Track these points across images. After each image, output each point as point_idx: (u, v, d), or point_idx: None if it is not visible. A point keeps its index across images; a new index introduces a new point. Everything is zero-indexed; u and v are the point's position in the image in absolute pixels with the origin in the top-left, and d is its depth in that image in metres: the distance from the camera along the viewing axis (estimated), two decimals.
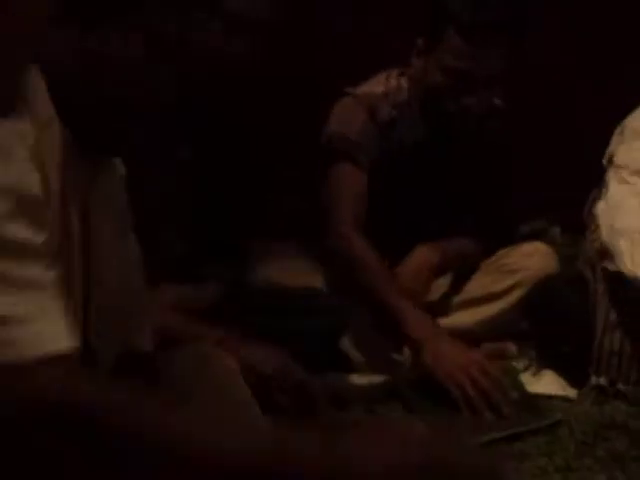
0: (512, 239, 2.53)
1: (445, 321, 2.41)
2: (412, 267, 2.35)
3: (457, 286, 2.47)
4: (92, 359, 1.24)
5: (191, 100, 1.88)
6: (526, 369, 2.28)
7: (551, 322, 2.26)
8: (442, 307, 2.45)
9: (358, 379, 2.21)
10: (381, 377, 2.21)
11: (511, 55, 2.19)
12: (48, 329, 0.98)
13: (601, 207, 2.15)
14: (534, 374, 2.26)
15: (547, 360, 2.28)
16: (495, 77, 2.21)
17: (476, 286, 2.45)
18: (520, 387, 2.14)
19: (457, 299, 2.46)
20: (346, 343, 2.26)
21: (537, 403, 2.07)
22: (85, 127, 1.14)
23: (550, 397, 2.13)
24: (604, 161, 2.24)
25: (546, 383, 2.21)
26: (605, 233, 2.09)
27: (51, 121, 1.09)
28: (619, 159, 2.20)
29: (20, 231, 0.97)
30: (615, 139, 2.25)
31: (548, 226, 3.36)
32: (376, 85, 2.36)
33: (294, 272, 2.30)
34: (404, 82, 2.34)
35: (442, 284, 2.47)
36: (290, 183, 2.50)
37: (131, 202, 1.49)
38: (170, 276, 1.80)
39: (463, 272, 2.47)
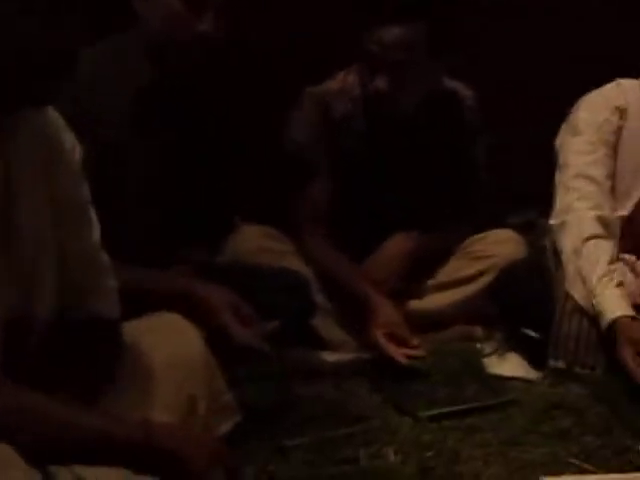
0: (486, 226, 2.61)
1: (417, 304, 2.52)
2: (385, 256, 2.46)
3: (430, 271, 2.56)
4: (20, 324, 1.33)
5: (168, 84, 1.98)
6: (493, 352, 2.37)
7: (516, 307, 2.35)
8: (415, 290, 2.54)
9: (328, 356, 2.31)
10: (350, 355, 2.31)
11: (424, 39, 2.23)
12: None
13: (552, 220, 2.27)
14: (500, 356, 2.36)
15: (513, 343, 2.37)
16: (405, 60, 2.24)
17: (448, 270, 2.55)
18: (480, 368, 2.24)
19: (430, 282, 2.55)
20: (319, 321, 2.36)
21: (495, 383, 2.17)
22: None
23: (511, 378, 2.22)
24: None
25: (509, 365, 2.30)
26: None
27: None
28: (563, 159, 2.30)
29: None
30: (562, 130, 2.34)
31: (537, 217, 3.44)
32: (334, 82, 2.44)
33: (273, 253, 2.41)
34: (357, 78, 2.39)
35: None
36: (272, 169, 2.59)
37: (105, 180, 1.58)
38: (142, 255, 1.88)
39: (436, 258, 2.56)
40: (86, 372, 1.45)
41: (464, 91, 2.50)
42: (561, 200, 2.29)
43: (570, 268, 2.18)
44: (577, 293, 2.17)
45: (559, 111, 2.37)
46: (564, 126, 2.35)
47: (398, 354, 2.15)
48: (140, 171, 1.96)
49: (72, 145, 1.42)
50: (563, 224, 2.24)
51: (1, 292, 1.29)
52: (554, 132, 2.37)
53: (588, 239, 2.19)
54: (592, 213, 2.22)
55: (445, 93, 2.45)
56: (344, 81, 2.42)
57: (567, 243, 2.21)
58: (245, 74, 2.47)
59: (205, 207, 2.12)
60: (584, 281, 2.15)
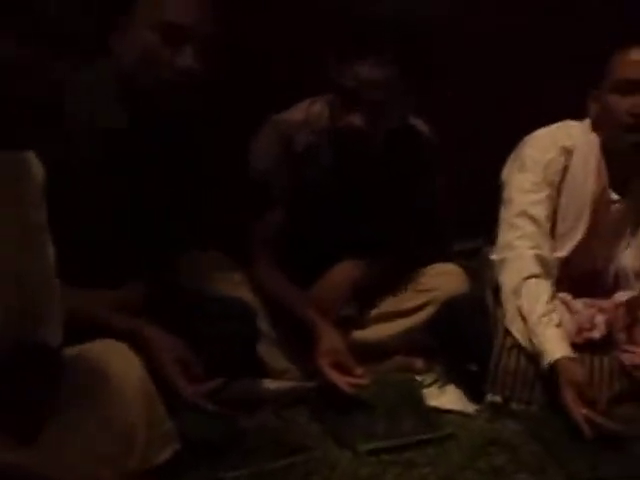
0: (434, 254, 2.65)
1: (360, 334, 2.53)
2: (331, 282, 2.48)
3: (373, 301, 2.58)
4: None
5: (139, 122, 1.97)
6: (432, 384, 2.40)
7: (456, 341, 2.38)
8: (359, 320, 2.56)
9: (269, 384, 2.32)
10: (291, 383, 2.32)
11: (400, 78, 2.24)
12: None
13: (494, 257, 2.31)
14: (439, 389, 2.38)
15: (452, 376, 2.41)
16: (381, 99, 2.25)
17: (391, 302, 2.57)
18: (419, 400, 2.27)
19: (372, 313, 2.57)
20: (264, 350, 2.37)
21: (434, 416, 2.20)
22: None
23: (449, 411, 2.25)
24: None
25: (448, 398, 2.33)
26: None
27: None
28: (508, 194, 2.35)
29: None
30: (509, 163, 2.40)
31: (483, 245, 3.48)
32: (298, 112, 2.45)
33: (224, 282, 2.41)
34: (326, 109, 2.40)
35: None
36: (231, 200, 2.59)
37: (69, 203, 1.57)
38: (97, 277, 1.88)
39: (381, 288, 2.58)
40: (27, 398, 1.44)
41: (422, 126, 2.53)
42: (503, 237, 2.34)
43: (509, 306, 2.23)
44: (517, 331, 2.22)
45: (507, 139, 2.43)
46: (511, 159, 2.41)
47: (342, 382, 2.16)
48: (98, 190, 1.95)
49: (37, 169, 1.42)
50: (503, 261, 2.30)
51: None
52: (502, 159, 2.43)
53: (528, 278, 2.24)
54: (532, 252, 2.28)
55: (406, 128, 2.47)
56: (308, 111, 2.43)
57: (507, 281, 2.26)
58: (215, 99, 2.46)
59: (162, 228, 2.11)
60: (524, 319, 2.20)
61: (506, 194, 2.38)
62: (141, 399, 1.61)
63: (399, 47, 2.22)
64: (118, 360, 1.62)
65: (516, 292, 2.23)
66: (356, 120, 2.27)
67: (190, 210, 2.20)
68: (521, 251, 2.28)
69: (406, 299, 2.56)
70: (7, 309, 1.40)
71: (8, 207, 1.38)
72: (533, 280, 2.24)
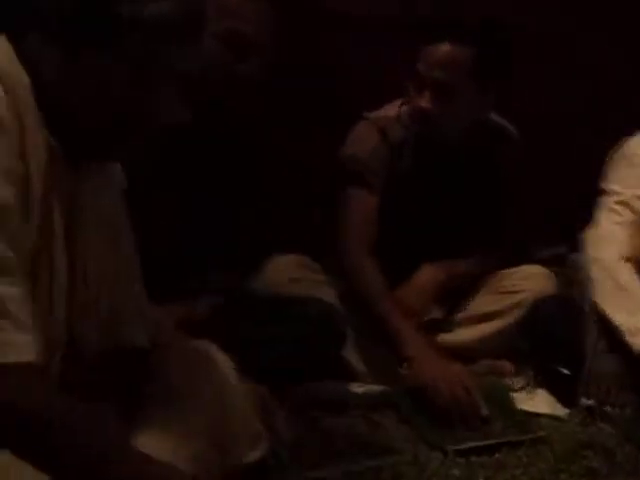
0: (517, 260, 2.61)
1: (447, 337, 2.52)
2: (417, 285, 2.45)
3: (460, 304, 2.56)
4: (78, 352, 1.35)
5: (202, 113, 2.00)
6: (522, 388, 2.36)
7: (546, 343, 2.34)
8: (445, 324, 2.54)
9: (357, 387, 2.30)
10: (379, 387, 2.30)
11: (466, 62, 2.25)
12: (12, 339, 1.12)
13: (588, 234, 2.26)
14: (529, 393, 2.34)
15: (542, 380, 2.36)
16: (447, 82, 2.26)
17: (478, 305, 2.54)
18: (510, 403, 2.23)
19: (459, 316, 2.55)
20: (348, 352, 2.36)
21: (524, 419, 2.16)
22: (77, 136, 1.27)
23: (540, 415, 2.21)
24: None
25: (538, 402, 2.29)
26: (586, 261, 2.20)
27: (36, 130, 1.22)
28: (609, 185, 2.30)
29: None
30: (608, 163, 2.35)
31: (569, 252, 3.43)
32: (390, 109, 2.46)
33: (304, 283, 2.41)
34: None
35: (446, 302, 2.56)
36: (307, 197, 2.59)
37: (141, 210, 1.60)
38: (172, 285, 1.89)
39: (467, 290, 2.56)
40: (118, 399, 1.46)
41: (509, 128, 2.51)
42: (601, 219, 2.29)
43: (606, 281, 2.17)
44: (612, 306, 2.15)
45: (598, 146, 2.39)
46: (616, 155, 2.35)
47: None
48: (173, 198, 1.98)
49: (122, 182, 1.46)
50: (600, 238, 2.25)
51: (62, 323, 1.31)
52: (587, 167, 2.38)
53: (626, 260, 2.18)
54: (628, 239, 2.22)
55: (490, 127, 2.45)
56: (400, 108, 2.43)
57: (605, 256, 2.20)
58: (285, 102, 2.48)
59: (237, 234, 2.13)
60: (630, 313, 2.13)
61: (608, 186, 2.33)
62: (235, 398, 1.62)
63: (474, 35, 2.23)
64: (214, 359, 1.63)
65: (614, 269, 2.17)
66: (422, 102, 2.27)
67: (264, 211, 2.21)
68: (619, 234, 2.23)
69: (493, 301, 2.52)
70: (98, 309, 1.42)
71: (102, 210, 1.40)
72: (629, 264, 2.19)
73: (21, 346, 1.14)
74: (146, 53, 1.24)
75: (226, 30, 1.95)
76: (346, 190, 2.43)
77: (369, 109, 2.50)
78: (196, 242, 2.03)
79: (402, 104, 2.43)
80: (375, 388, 2.31)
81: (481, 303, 2.54)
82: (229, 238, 2.09)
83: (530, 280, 2.52)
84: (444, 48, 2.26)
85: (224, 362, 1.65)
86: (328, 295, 2.38)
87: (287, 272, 2.38)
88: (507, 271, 2.56)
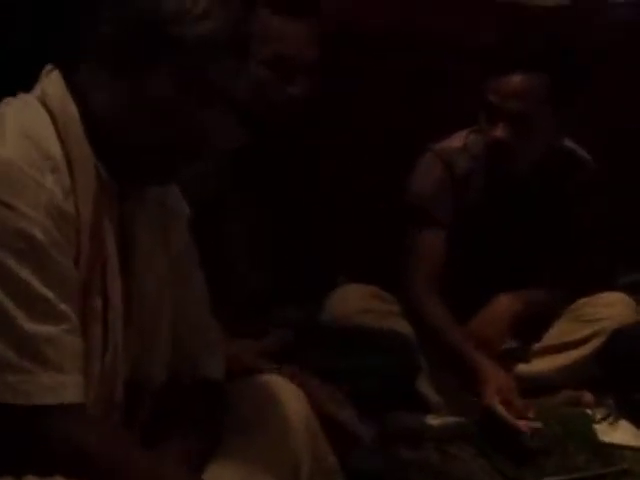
0: (597, 287, 2.55)
1: (525, 368, 2.46)
2: (492, 315, 2.41)
3: (537, 334, 2.50)
4: (143, 383, 1.36)
5: (264, 138, 2.01)
6: (603, 418, 2.30)
7: (628, 372, 2.28)
8: (522, 354, 2.49)
9: (432, 419, 2.26)
10: (455, 418, 2.26)
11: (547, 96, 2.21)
12: (61, 380, 1.17)
13: None
14: (611, 423, 2.28)
15: (624, 410, 2.30)
16: (523, 113, 2.21)
17: (555, 334, 2.48)
18: (592, 435, 2.17)
19: (537, 346, 2.49)
20: (423, 384, 2.33)
21: (607, 451, 2.10)
22: (127, 164, 1.28)
23: (624, 447, 2.15)
24: None
25: (621, 433, 2.23)
26: None
27: (85, 161, 1.24)
28: None
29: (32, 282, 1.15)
30: None
31: None
32: (456, 140, 2.43)
33: (375, 314, 2.38)
34: (480, 136, 2.37)
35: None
36: (375, 230, 2.58)
37: (210, 241, 1.59)
38: (245, 316, 1.88)
39: (543, 320, 2.50)
40: (194, 433, 1.44)
41: (581, 153, 2.46)
42: None
43: None
44: None
45: None
46: None
47: (521, 424, 2.08)
48: (238, 233, 1.98)
49: (184, 209, 1.46)
50: None
51: (124, 356, 1.32)
52: None
53: None
54: None
55: (563, 153, 2.41)
56: (466, 138, 2.41)
57: None
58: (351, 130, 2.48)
59: (304, 265, 2.12)
60: None
61: None
62: (306, 431, 1.59)
63: (545, 61, 2.19)
64: (284, 392, 1.60)
65: None
66: (497, 132, 2.23)
67: (327, 240, 2.21)
68: None
69: (572, 330, 2.46)
70: (167, 350, 1.42)
71: (164, 248, 1.40)
72: None
73: (69, 387, 1.19)
74: (195, 73, 1.24)
75: (272, 55, 1.96)
76: (412, 226, 2.42)
77: (434, 139, 2.48)
78: (262, 276, 2.03)
79: (468, 134, 2.41)
80: (450, 420, 2.27)
81: (559, 332, 2.48)
82: (295, 270, 2.08)
83: (610, 308, 2.45)
84: (516, 78, 2.21)
85: (296, 394, 1.64)
86: (401, 326, 2.36)
87: (356, 302, 2.36)
88: (586, 299, 2.50)
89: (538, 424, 2.11)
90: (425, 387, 2.33)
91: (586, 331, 2.43)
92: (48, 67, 1.30)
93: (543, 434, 2.12)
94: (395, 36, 2.85)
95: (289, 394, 1.62)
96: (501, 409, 2.11)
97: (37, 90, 1.29)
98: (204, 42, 1.23)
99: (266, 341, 2.00)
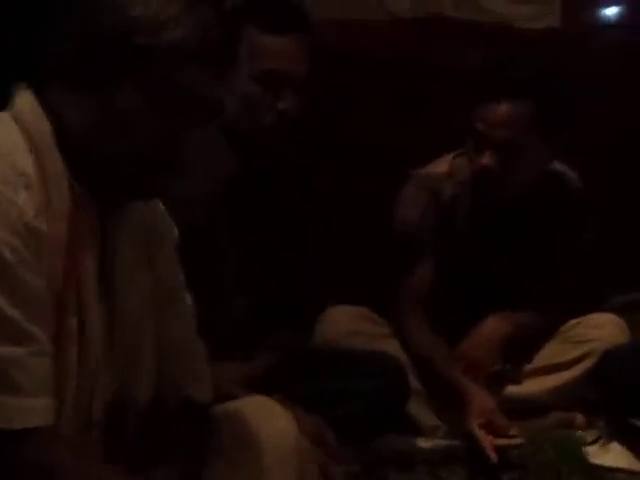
0: (589, 307, 2.53)
1: (515, 389, 2.44)
2: (481, 337, 2.40)
3: (527, 355, 2.48)
4: (122, 404, 1.34)
5: (254, 169, 2.00)
6: (595, 441, 2.27)
7: (619, 394, 2.26)
8: (513, 375, 2.47)
9: (423, 442, 2.25)
10: (446, 441, 2.25)
11: (534, 121, 2.21)
12: (29, 405, 1.16)
13: None
14: (602, 446, 2.26)
15: (616, 432, 2.27)
16: (511, 141, 2.21)
17: (546, 355, 2.47)
18: (582, 458, 2.14)
19: (527, 367, 2.47)
20: (414, 406, 2.31)
21: (599, 474, 2.08)
22: (102, 179, 1.26)
23: (616, 469, 2.13)
24: None
25: (613, 456, 2.21)
26: None
27: (60, 178, 1.23)
28: None
29: None
30: None
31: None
32: (441, 165, 2.43)
33: (366, 336, 2.37)
34: (466, 161, 2.36)
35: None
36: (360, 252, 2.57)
37: (199, 264, 1.58)
38: (231, 340, 1.87)
39: (533, 341, 2.48)
40: (179, 455, 1.43)
41: (569, 173, 2.45)
42: None
43: None
44: None
45: None
46: None
47: (490, 449, 2.09)
48: (228, 256, 1.98)
49: (170, 230, 1.44)
50: None
51: (104, 378, 1.30)
52: None
53: None
54: None
55: (551, 176, 2.39)
56: (452, 163, 2.40)
57: None
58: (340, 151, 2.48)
59: (294, 290, 2.11)
60: None
61: None
62: (295, 456, 1.58)
63: (531, 88, 2.18)
64: (272, 416, 1.59)
65: None
66: (484, 159, 2.22)
67: (317, 264, 2.20)
68: None
69: (563, 351, 2.44)
70: (152, 370, 1.40)
71: (147, 269, 1.38)
72: None
73: (37, 411, 1.18)
74: (165, 82, 1.23)
75: (261, 71, 1.96)
76: (400, 254, 2.41)
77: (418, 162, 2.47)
78: (250, 300, 2.02)
79: (454, 158, 2.41)
80: (441, 442, 2.26)
81: (550, 353, 2.46)
82: (284, 294, 2.06)
83: (600, 329, 2.44)
84: (503, 106, 2.19)
85: (285, 414, 1.62)
86: (392, 348, 2.35)
87: (345, 325, 2.35)
88: (576, 320, 2.48)
89: (518, 441, 2.11)
90: (417, 409, 2.31)
91: (577, 352, 2.42)
92: (21, 85, 1.29)
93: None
94: (385, 58, 2.86)
95: (280, 417, 1.61)
96: (478, 433, 2.12)
97: (10, 107, 1.27)
98: (171, 50, 1.22)
99: (251, 365, 1.99)
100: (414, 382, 2.32)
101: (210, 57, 1.25)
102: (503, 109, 2.20)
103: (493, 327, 2.40)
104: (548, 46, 2.87)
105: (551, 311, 2.48)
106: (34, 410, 1.18)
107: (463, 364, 2.33)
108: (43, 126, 1.24)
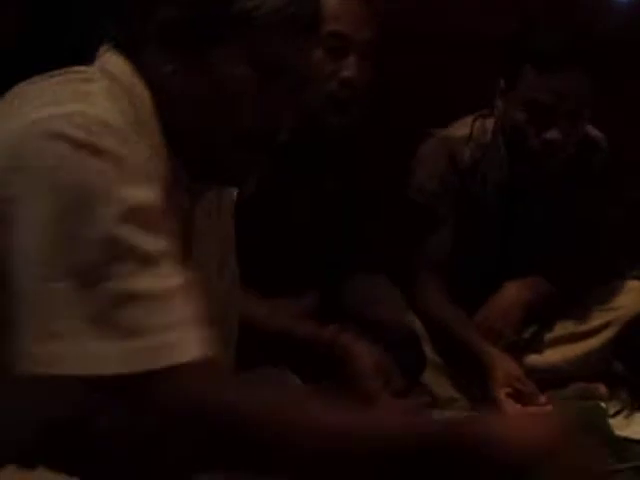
0: (607, 277, 2.46)
1: (536, 359, 2.38)
2: (501, 305, 2.34)
3: (549, 323, 2.41)
4: None
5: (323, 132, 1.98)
6: (618, 412, 2.21)
7: None
8: (533, 344, 2.41)
9: (438, 414, 2.18)
10: (462, 413, 2.19)
11: (591, 87, 2.16)
12: (184, 337, 1.02)
13: None
14: (625, 417, 2.19)
15: (639, 403, 2.22)
16: (577, 111, 2.17)
17: (568, 324, 2.40)
18: (606, 429, 2.08)
19: (548, 336, 2.40)
20: (428, 377, 2.24)
21: (623, 446, 2.01)
22: (198, 159, 1.20)
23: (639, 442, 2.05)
24: None
25: (637, 427, 2.13)
26: None
27: (160, 152, 1.16)
28: None
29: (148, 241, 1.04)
30: None
31: None
32: (461, 128, 2.36)
33: (389, 307, 2.31)
34: (489, 124, 2.32)
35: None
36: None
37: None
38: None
39: (554, 309, 2.41)
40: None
41: (599, 136, 2.39)
42: None
43: None
44: None
45: None
46: None
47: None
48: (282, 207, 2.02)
49: (232, 192, 1.41)
50: None
51: None
52: None
53: None
54: None
55: (586, 140, 2.33)
56: (472, 127, 2.34)
57: None
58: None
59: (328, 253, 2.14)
60: None
61: None
62: None
63: (589, 57, 2.14)
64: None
65: None
66: (555, 134, 2.15)
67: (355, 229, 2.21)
68: None
69: (585, 320, 2.37)
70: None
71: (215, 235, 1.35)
72: None
73: (195, 342, 1.03)
74: (265, 51, 1.17)
75: (327, 34, 1.89)
76: (416, 221, 2.38)
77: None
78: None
79: (474, 121, 2.35)
80: (458, 415, 2.17)
81: (571, 322, 2.39)
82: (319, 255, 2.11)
83: (624, 296, 2.37)
84: (573, 79, 2.14)
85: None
86: (410, 319, 2.29)
87: (363, 293, 2.28)
88: (601, 287, 2.40)
89: (548, 409, 2.06)
90: (432, 381, 2.26)
91: (600, 320, 2.36)
92: (107, 46, 1.21)
93: None
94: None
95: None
96: (506, 401, 2.08)
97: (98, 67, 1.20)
98: (273, 17, 1.16)
99: (304, 300, 2.01)
100: (430, 352, 2.27)
101: (310, 25, 1.21)
102: (574, 81, 2.14)
103: (512, 294, 2.33)
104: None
105: (573, 279, 2.40)
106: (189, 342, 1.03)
107: (481, 333, 2.27)
108: (142, 92, 1.17)
